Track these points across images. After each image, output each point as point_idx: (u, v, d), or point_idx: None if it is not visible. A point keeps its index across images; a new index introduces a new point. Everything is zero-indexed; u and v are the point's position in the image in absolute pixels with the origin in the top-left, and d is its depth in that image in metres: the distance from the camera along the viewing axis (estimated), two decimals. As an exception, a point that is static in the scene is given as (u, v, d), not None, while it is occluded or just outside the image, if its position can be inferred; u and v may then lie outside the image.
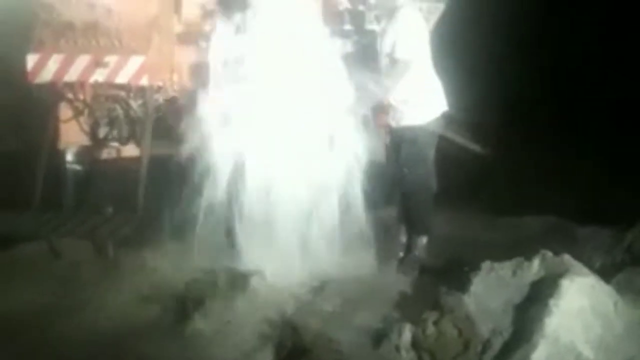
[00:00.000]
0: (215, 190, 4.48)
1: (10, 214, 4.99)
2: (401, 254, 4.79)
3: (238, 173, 4.53)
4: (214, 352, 3.76)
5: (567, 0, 6.97)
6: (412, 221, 4.81)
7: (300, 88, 4.61)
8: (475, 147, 5.71)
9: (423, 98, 4.66)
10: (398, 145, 4.75)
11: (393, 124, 4.76)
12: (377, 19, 5.13)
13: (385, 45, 4.70)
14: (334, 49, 4.76)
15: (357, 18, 5.23)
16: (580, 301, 3.48)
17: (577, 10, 6.88)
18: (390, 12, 4.73)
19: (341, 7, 5.25)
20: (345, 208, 4.51)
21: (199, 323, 3.97)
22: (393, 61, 4.63)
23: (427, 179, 4.70)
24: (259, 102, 4.57)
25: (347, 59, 4.81)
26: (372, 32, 5.21)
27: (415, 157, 4.67)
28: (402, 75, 4.60)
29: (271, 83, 4.58)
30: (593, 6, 6.74)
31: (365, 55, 4.99)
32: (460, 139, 5.48)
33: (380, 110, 4.74)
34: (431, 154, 4.70)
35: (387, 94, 4.61)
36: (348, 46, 5.13)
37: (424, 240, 4.78)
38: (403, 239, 4.85)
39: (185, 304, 4.10)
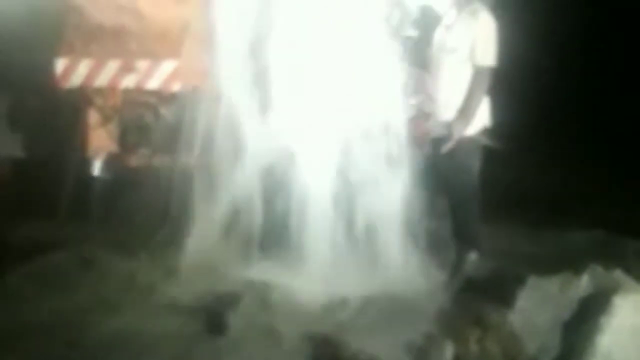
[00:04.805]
0: (245, 197, 4.58)
1: (38, 223, 5.11)
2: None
3: (269, 178, 4.62)
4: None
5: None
6: (460, 236, 4.80)
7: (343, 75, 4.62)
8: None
9: None
10: (439, 157, 4.76)
11: (436, 133, 4.75)
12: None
13: (447, 42, 4.67)
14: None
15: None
16: (633, 319, 3.47)
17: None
18: (459, 8, 4.72)
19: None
20: (386, 218, 4.56)
21: (228, 334, 4.01)
22: (457, 63, 4.61)
23: (474, 191, 4.71)
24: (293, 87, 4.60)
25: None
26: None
27: (461, 170, 4.66)
28: (487, 85, 4.59)
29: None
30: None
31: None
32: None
33: (421, 117, 4.77)
34: (476, 165, 4.70)
35: (474, 107, 4.57)
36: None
37: (473, 256, 4.76)
38: (451, 254, 4.85)
39: (215, 315, 4.17)
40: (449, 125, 4.63)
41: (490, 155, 4.79)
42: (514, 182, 5.83)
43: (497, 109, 4.79)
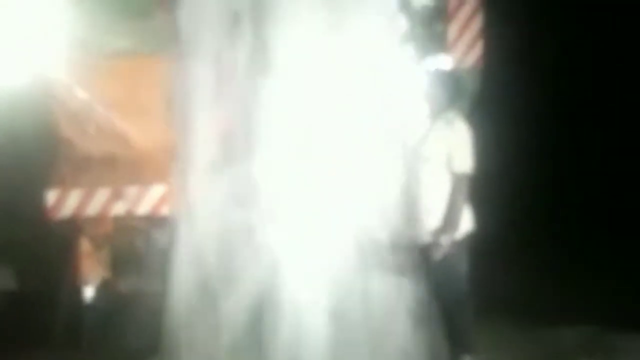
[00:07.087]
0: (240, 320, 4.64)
1: (29, 354, 5.11)
2: None
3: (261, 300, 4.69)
4: None
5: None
6: (454, 340, 4.87)
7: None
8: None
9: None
10: (427, 263, 4.90)
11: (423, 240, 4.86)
12: None
13: (422, 151, 4.85)
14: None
15: None
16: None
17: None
18: (434, 117, 4.92)
19: None
20: (378, 326, 4.64)
21: None
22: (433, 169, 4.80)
23: (464, 296, 4.84)
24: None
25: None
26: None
27: (449, 275, 4.79)
28: (467, 191, 4.80)
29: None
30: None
31: None
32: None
33: (406, 225, 4.93)
34: (464, 270, 4.84)
35: (457, 214, 4.75)
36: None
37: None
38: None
39: None
40: (434, 234, 4.81)
41: (476, 258, 4.94)
42: (502, 282, 5.93)
43: (481, 213, 4.96)
